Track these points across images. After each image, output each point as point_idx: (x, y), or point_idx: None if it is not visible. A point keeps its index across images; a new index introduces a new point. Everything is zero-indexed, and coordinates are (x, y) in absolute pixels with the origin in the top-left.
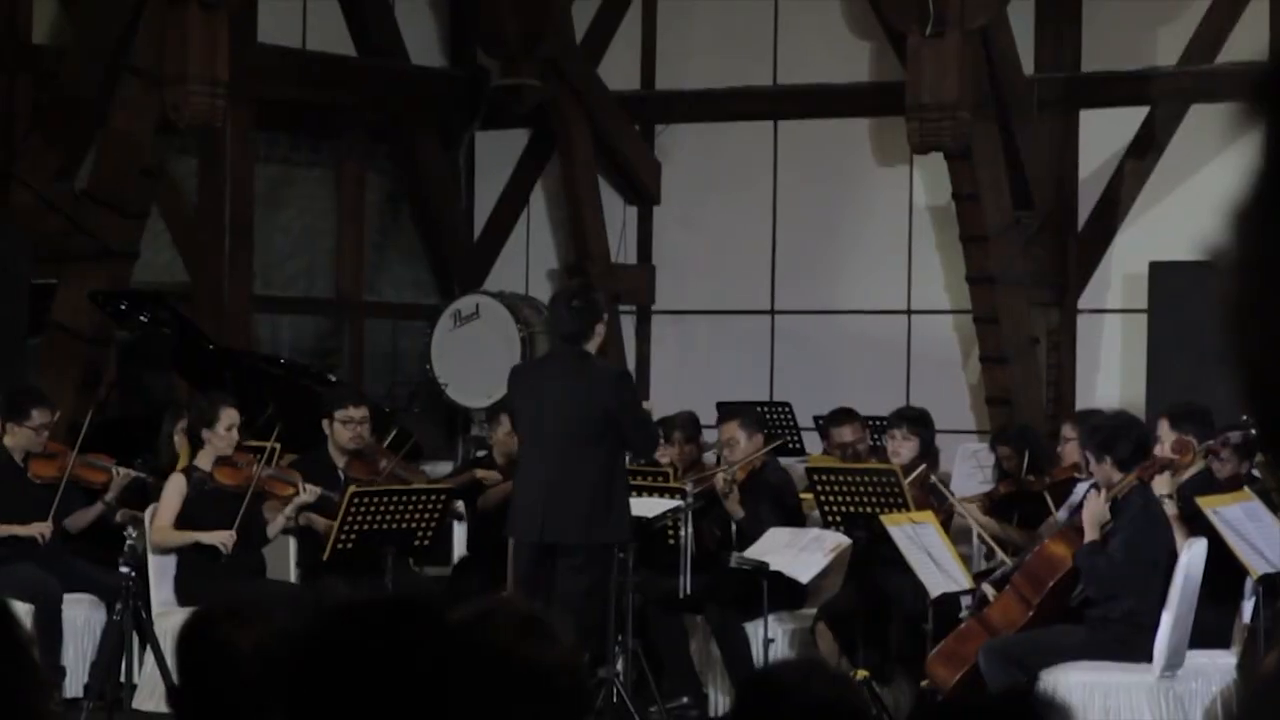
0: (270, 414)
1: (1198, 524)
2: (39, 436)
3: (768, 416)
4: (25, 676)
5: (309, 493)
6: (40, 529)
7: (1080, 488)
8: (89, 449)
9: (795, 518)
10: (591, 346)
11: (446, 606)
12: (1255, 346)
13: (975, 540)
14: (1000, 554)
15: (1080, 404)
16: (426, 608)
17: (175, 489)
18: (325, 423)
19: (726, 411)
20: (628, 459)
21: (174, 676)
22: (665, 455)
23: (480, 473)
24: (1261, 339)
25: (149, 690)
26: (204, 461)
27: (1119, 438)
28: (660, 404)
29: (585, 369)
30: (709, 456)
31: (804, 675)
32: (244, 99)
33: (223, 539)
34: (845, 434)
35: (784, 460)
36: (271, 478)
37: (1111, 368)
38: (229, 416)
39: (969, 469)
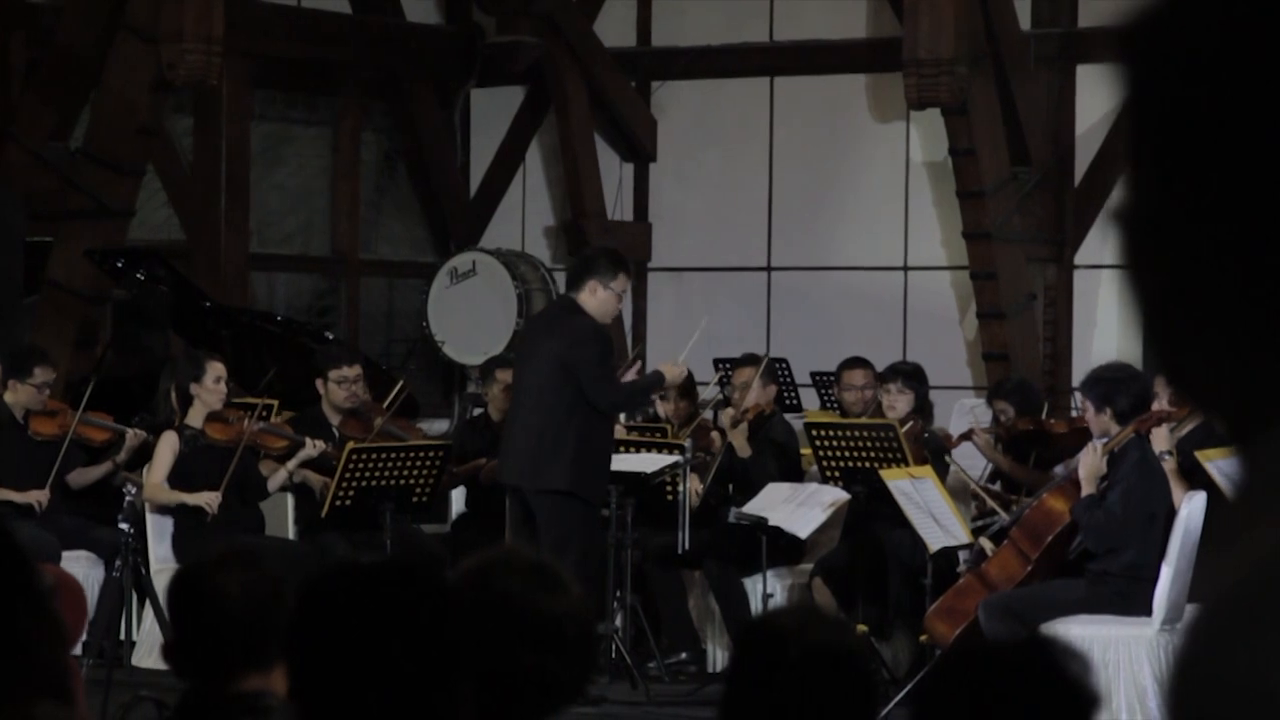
0: (271, 377)
1: (1197, 478)
2: (40, 394)
3: None
4: (47, 630)
5: (313, 447)
6: (37, 497)
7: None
8: (87, 407)
9: (795, 473)
10: (585, 301)
11: (446, 563)
12: (1145, 292)
13: (973, 487)
14: (996, 507)
15: (1077, 359)
16: (423, 566)
17: (168, 446)
18: (319, 383)
19: (746, 358)
20: (622, 416)
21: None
22: (661, 410)
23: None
24: (1149, 285)
25: (148, 647)
26: (195, 419)
27: (1120, 390)
28: (657, 360)
29: (563, 319)
30: (705, 414)
31: (803, 621)
32: (240, 56)
33: (207, 499)
34: (857, 378)
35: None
36: (263, 431)
37: (1109, 323)
38: (215, 369)
39: (966, 424)
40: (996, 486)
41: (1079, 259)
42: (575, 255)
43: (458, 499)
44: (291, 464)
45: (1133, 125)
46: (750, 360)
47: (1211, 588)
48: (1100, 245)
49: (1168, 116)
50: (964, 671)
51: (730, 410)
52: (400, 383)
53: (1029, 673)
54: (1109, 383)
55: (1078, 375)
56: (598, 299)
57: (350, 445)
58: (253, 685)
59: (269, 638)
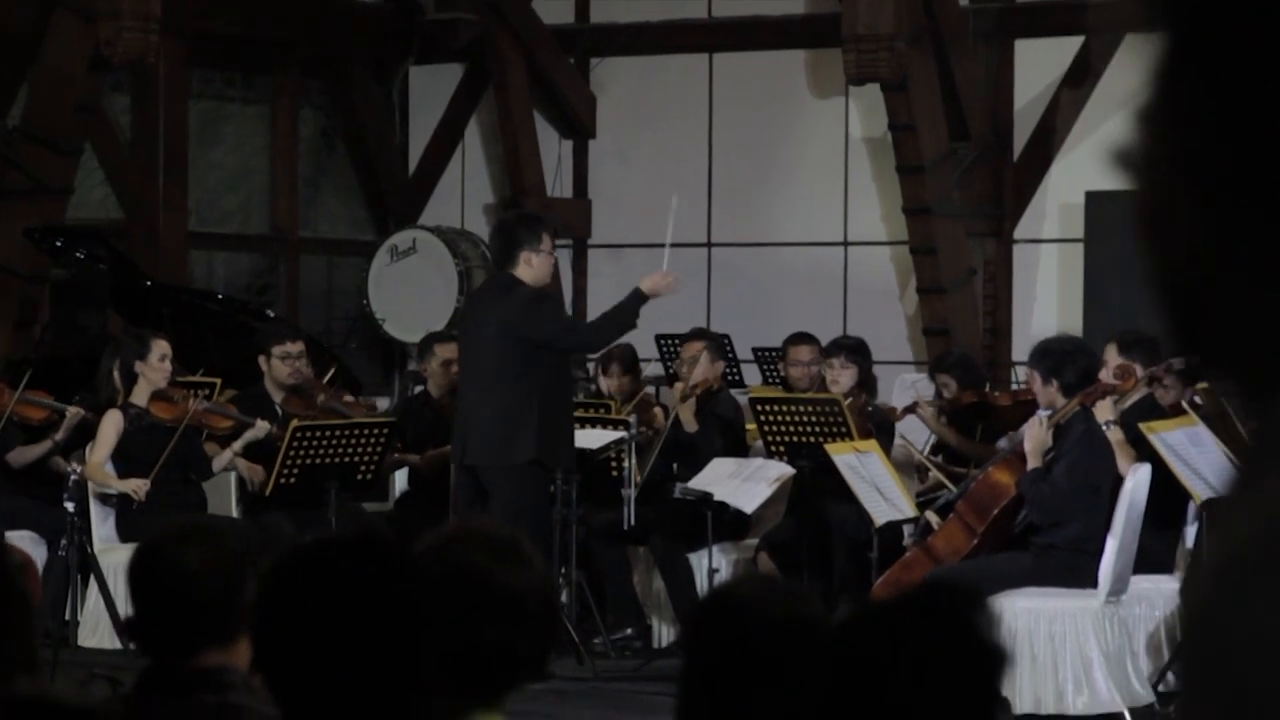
0: (213, 362)
1: (1141, 450)
2: None
3: None
4: (18, 607)
5: (258, 428)
6: None
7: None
8: (26, 386)
9: (740, 449)
10: (522, 274)
11: (396, 540)
12: (1160, 245)
13: (918, 458)
14: (943, 479)
15: (1017, 334)
16: (386, 541)
17: (111, 425)
18: (262, 359)
19: (694, 332)
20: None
21: (128, 607)
22: (604, 387)
23: (409, 458)
24: (1166, 238)
25: (91, 627)
26: (140, 397)
27: (1068, 362)
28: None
29: (505, 294)
30: (648, 390)
31: (762, 591)
32: (177, 34)
33: (134, 486)
34: (803, 354)
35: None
36: (208, 411)
37: (1048, 298)
38: (160, 347)
39: (908, 399)
40: (939, 460)
41: (1018, 233)
42: (492, 234)
43: (401, 478)
44: (238, 445)
45: (1165, 67)
46: (698, 335)
47: (1226, 539)
48: (1039, 219)
49: (1205, 57)
50: (866, 626)
51: (679, 385)
52: (335, 365)
53: (930, 627)
54: (1058, 355)
55: (1017, 350)
56: (534, 267)
57: (294, 423)
58: (214, 661)
59: (230, 614)
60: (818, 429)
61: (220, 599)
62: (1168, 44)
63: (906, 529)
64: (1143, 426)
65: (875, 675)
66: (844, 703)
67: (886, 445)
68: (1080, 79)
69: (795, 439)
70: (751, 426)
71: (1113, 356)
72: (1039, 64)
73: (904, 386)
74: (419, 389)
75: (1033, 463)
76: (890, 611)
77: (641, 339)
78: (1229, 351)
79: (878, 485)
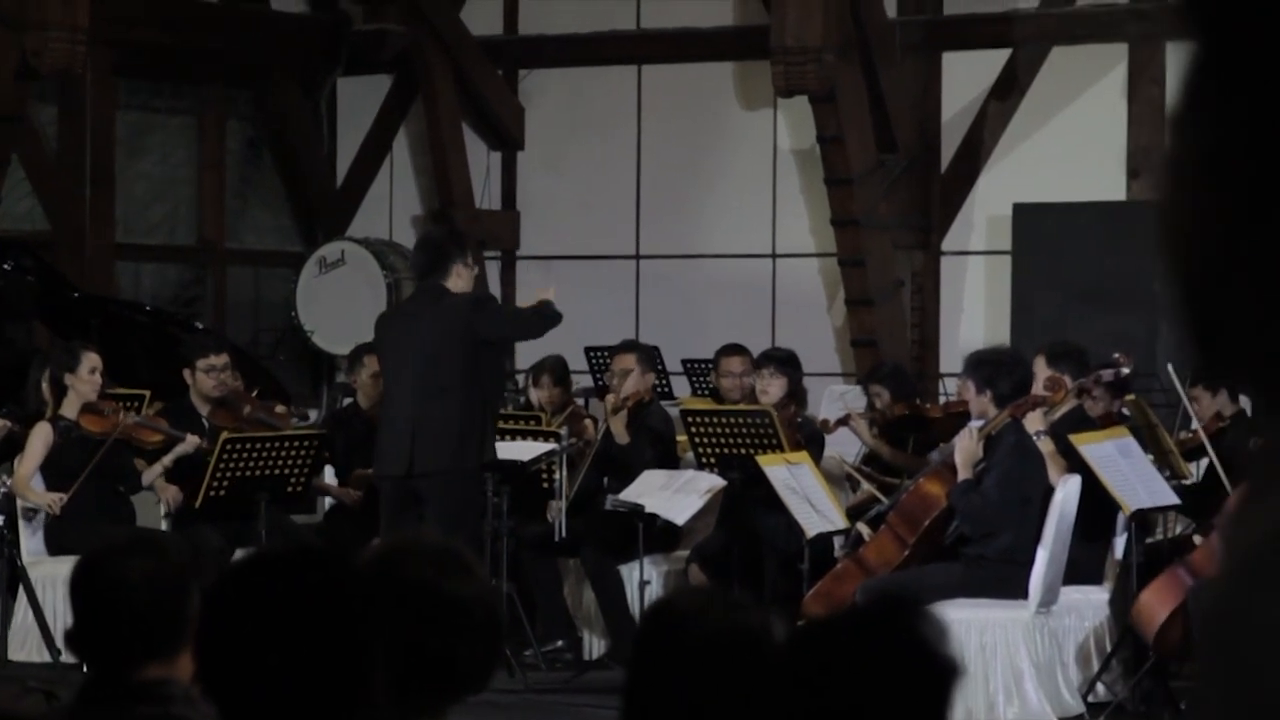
0: (139, 368)
1: (1071, 462)
2: None
3: None
4: None
5: (188, 443)
6: None
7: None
8: None
9: (671, 460)
10: (453, 284)
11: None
12: (1181, 254)
13: (848, 469)
14: (873, 490)
15: (944, 346)
16: (329, 553)
17: (40, 438)
18: (186, 373)
19: (625, 344)
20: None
21: (66, 619)
22: (535, 398)
23: (336, 490)
24: (1188, 247)
25: (21, 640)
26: (69, 409)
27: (1003, 373)
28: (527, 349)
29: (440, 302)
30: (578, 401)
31: (703, 603)
32: (104, 45)
33: (50, 500)
34: (735, 365)
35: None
36: (137, 424)
37: (975, 309)
38: (90, 360)
39: (837, 410)
40: (870, 471)
41: (946, 245)
42: (419, 245)
43: None
44: (168, 459)
45: (1192, 76)
46: (628, 346)
47: (1237, 546)
48: (966, 231)
49: (1232, 65)
50: (817, 641)
51: (610, 397)
52: (264, 377)
53: (879, 639)
54: (992, 365)
55: (945, 361)
56: (464, 280)
57: (224, 435)
58: (156, 673)
59: (172, 626)
60: (748, 440)
61: (163, 611)
62: (1196, 52)
63: (837, 540)
64: (1072, 438)
65: (828, 691)
66: (796, 718)
67: (817, 456)
68: (1007, 91)
69: (726, 450)
70: (682, 438)
71: (1041, 368)
72: (966, 76)
73: (832, 398)
74: (348, 401)
75: (963, 474)
76: (841, 626)
77: (571, 351)
78: (1248, 361)
79: (809, 497)
